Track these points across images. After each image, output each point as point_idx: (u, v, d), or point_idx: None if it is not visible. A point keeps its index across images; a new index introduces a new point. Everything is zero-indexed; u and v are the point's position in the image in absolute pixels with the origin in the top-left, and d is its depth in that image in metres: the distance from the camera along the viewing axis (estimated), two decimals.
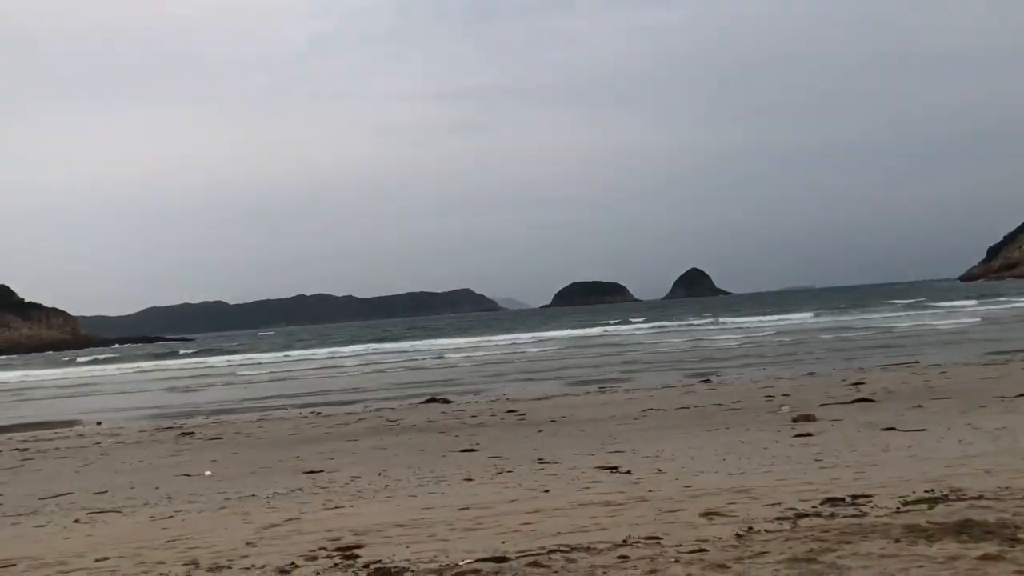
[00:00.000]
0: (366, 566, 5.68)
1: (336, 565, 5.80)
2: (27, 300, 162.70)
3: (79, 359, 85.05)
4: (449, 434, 15.39)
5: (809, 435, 11.88)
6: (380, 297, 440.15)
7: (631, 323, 76.95)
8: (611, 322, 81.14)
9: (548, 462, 11.16)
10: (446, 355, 50.02)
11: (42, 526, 9.17)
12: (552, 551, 5.58)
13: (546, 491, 8.70)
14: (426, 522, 7.23)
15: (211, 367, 57.03)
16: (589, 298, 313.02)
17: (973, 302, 69.06)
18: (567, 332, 68.28)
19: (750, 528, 5.77)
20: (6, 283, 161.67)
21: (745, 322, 64.22)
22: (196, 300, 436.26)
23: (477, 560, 5.48)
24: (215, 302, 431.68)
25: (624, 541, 5.72)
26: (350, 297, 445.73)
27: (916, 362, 24.53)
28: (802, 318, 64.96)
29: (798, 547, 4.97)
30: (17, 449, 17.97)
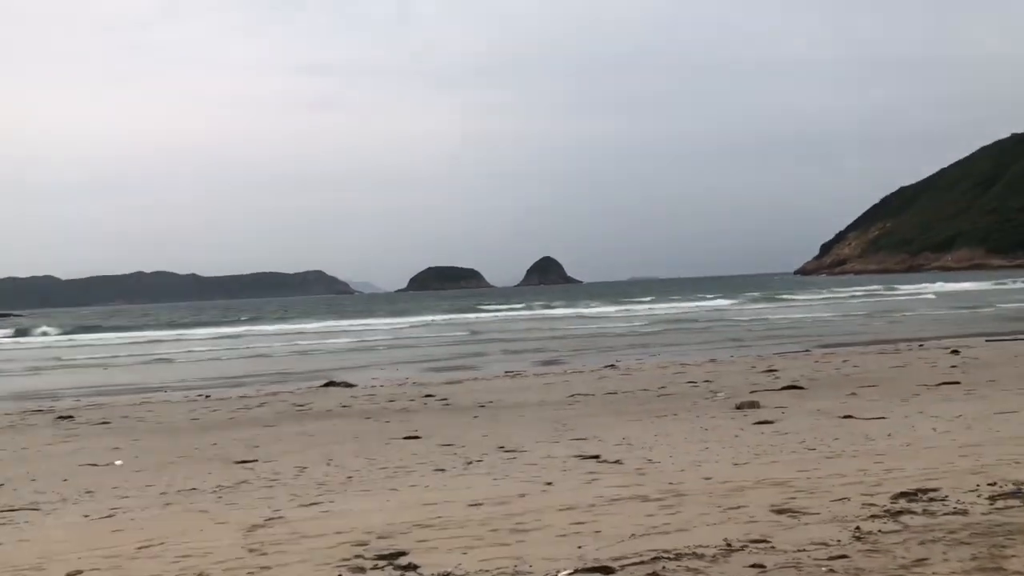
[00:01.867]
0: None
1: None
2: None
3: None
4: (376, 420, 14.36)
5: (769, 423, 11.62)
6: (225, 276, 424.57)
7: (500, 310, 76.69)
8: (488, 306, 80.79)
9: (512, 450, 10.41)
10: (313, 338, 48.19)
11: None
12: (655, 559, 4.86)
13: (548, 483, 7.97)
14: (452, 522, 6.36)
15: (44, 347, 52.75)
16: (444, 283, 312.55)
17: (821, 294, 72.93)
18: (438, 316, 67.34)
19: (858, 528, 5.25)
20: None
21: (616, 310, 65.09)
22: (23, 274, 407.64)
23: (577, 571, 4.70)
24: (44, 276, 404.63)
25: (729, 545, 5.07)
26: (193, 276, 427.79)
27: (807, 350, 25.16)
28: (667, 307, 66.47)
29: (955, 552, 4.49)
30: None
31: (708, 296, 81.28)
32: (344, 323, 64.29)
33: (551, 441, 10.98)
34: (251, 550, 5.82)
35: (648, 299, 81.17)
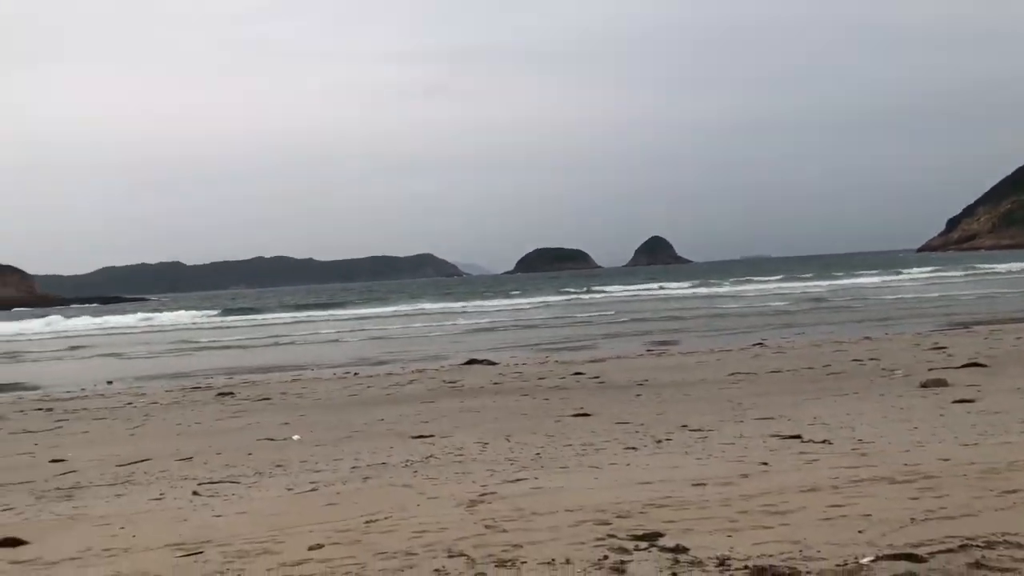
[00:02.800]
0: (722, 563, 4.41)
1: (678, 562, 4.51)
2: None
3: (34, 319, 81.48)
4: (534, 397, 14.11)
5: (970, 401, 10.80)
6: (341, 260, 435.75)
7: (618, 290, 75.86)
8: (604, 286, 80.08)
9: (698, 429, 9.94)
10: (433, 319, 48.64)
11: (158, 499, 7.76)
12: (963, 546, 4.36)
13: (764, 463, 7.48)
14: (686, 502, 5.98)
15: (177, 328, 54.89)
16: (552, 264, 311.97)
17: (958, 271, 69.24)
18: (555, 297, 67.16)
19: None
20: None
21: (744, 290, 63.51)
22: (153, 260, 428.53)
23: (880, 558, 4.24)
24: (172, 262, 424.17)
25: None
26: (310, 260, 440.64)
27: (967, 327, 23.74)
28: (800, 285, 64.33)
29: None
30: (40, 409, 16.37)
31: (837, 273, 78.43)
32: (460, 304, 64.81)
33: (734, 420, 10.46)
34: (488, 527, 5.57)
35: (777, 277, 78.88)
